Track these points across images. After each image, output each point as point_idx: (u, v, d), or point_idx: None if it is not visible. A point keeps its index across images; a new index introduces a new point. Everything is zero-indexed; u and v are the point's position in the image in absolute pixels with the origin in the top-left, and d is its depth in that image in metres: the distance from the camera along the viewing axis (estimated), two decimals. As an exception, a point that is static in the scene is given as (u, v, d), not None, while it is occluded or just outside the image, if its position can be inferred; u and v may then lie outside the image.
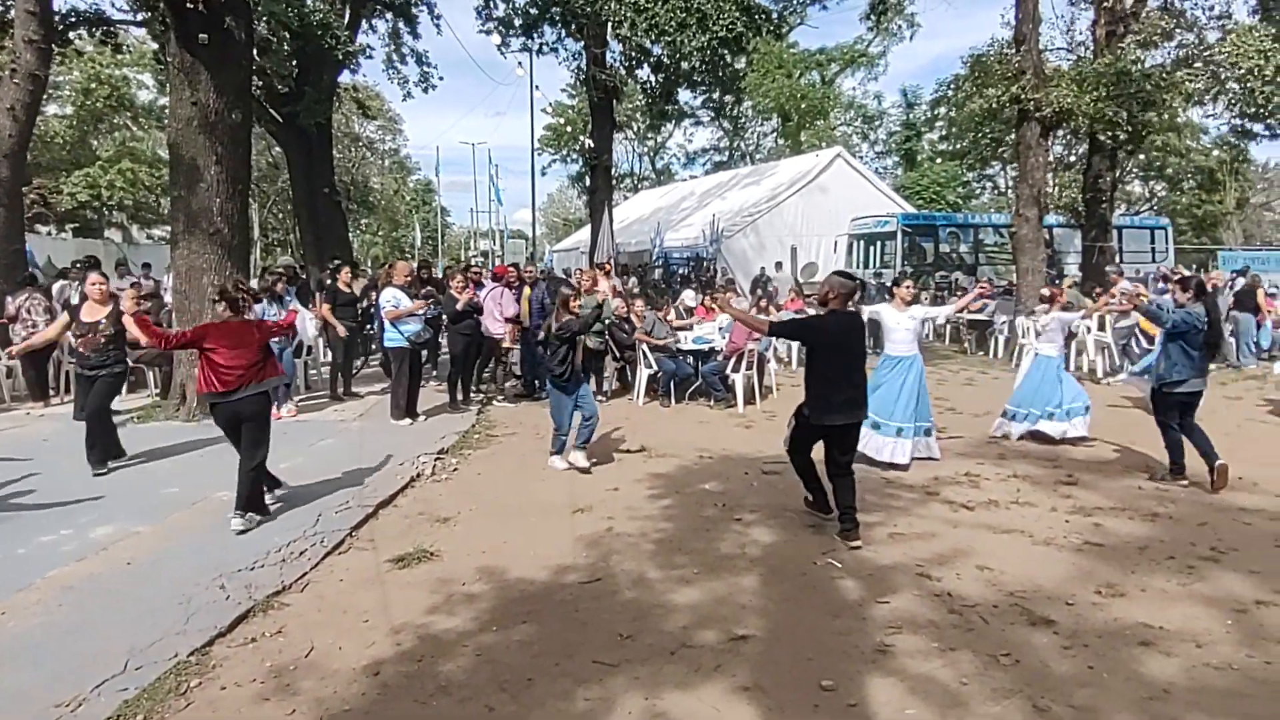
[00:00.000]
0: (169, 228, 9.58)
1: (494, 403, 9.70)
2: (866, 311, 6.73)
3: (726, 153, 43.69)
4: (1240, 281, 13.85)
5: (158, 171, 27.13)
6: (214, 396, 5.02)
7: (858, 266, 19.76)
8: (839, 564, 4.53)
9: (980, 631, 3.70)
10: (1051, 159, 17.96)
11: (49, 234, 25.61)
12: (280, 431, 7.78)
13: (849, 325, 4.93)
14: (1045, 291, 8.41)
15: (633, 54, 20.22)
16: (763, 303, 12.32)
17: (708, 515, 5.46)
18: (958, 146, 30.87)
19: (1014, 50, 13.69)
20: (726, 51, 17.14)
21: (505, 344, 9.93)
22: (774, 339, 10.24)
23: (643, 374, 9.80)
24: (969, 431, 7.96)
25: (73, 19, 14.14)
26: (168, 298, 10.50)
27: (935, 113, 35.44)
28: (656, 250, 22.74)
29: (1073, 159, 21.48)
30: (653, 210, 30.01)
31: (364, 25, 17.99)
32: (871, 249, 19.62)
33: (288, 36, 14.23)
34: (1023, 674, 3.31)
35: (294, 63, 15.89)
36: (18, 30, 10.43)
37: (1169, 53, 14.82)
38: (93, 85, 26.77)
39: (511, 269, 10.92)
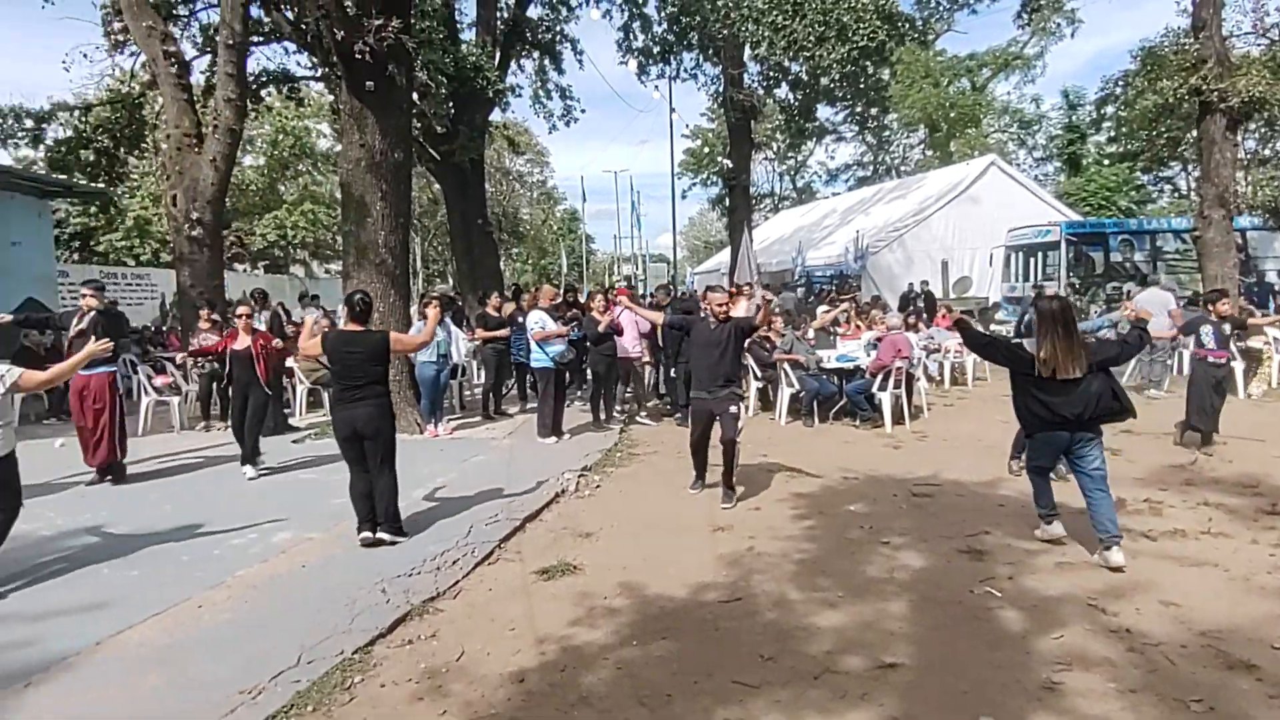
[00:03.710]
0: (343, 263, 10.43)
1: (636, 420, 9.85)
2: None
3: (870, 168, 42.57)
4: None
5: (334, 211, 29.75)
6: None
7: (1016, 280, 18.60)
8: (998, 593, 4.23)
9: (1165, 673, 3.33)
10: (1243, 154, 16.16)
11: (244, 271, 28.63)
12: (437, 449, 8.32)
13: (719, 328, 6.10)
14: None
15: (770, 73, 20.18)
16: (911, 319, 11.81)
17: (852, 537, 5.26)
18: (1129, 147, 28.48)
19: (1192, 38, 12.51)
20: (868, 62, 16.76)
21: (643, 360, 10.08)
22: (921, 356, 9.81)
23: (784, 393, 9.63)
24: (1147, 455, 7.24)
25: (264, 78, 15.84)
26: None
27: (1101, 113, 32.95)
28: (798, 269, 22.41)
29: (1268, 153, 19.25)
30: (794, 229, 29.66)
31: (513, 65, 18.99)
32: (1032, 260, 18.40)
33: (444, 80, 15.26)
34: (1219, 723, 2.94)
35: (450, 104, 16.99)
36: (219, 91, 11.78)
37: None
38: (279, 136, 29.75)
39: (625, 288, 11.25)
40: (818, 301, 17.57)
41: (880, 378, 9.01)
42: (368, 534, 5.18)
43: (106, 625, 4.00)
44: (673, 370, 9.90)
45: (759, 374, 10.17)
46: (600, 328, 9.02)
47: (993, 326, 15.59)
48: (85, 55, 14.47)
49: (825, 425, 9.43)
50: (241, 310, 7.69)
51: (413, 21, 9.67)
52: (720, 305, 6.15)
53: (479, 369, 11.82)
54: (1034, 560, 4.69)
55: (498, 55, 17.18)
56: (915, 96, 34.47)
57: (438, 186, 24.68)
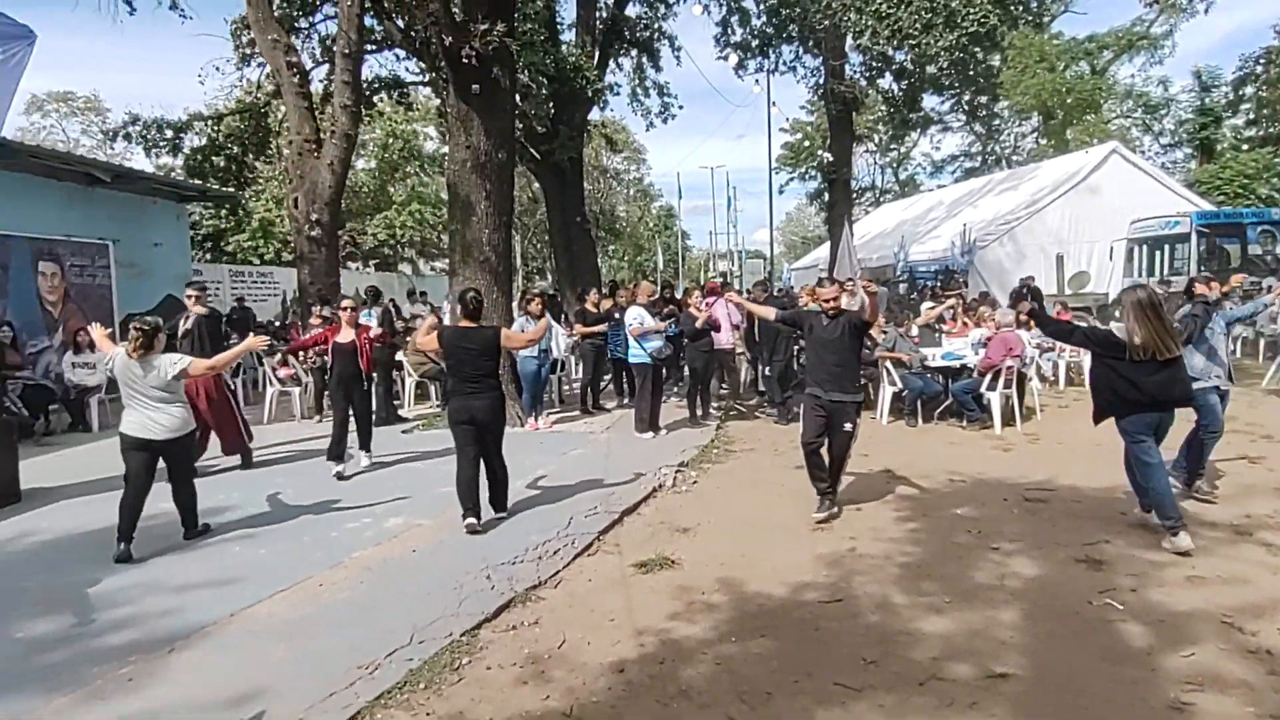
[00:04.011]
0: (448, 260, 10.82)
1: (736, 407, 9.83)
2: None
3: (979, 158, 40.72)
4: None
5: (440, 211, 30.87)
6: None
7: (1140, 274, 17.45)
8: (1120, 605, 4.00)
9: (1313, 700, 3.07)
10: None
11: (356, 269, 30.06)
12: (538, 441, 8.53)
13: (832, 324, 5.75)
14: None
15: (873, 63, 19.64)
16: (1022, 316, 11.27)
17: (960, 542, 5.08)
18: (1270, 130, 26.27)
19: (1350, 8, 11.43)
20: (978, 49, 16.09)
21: (736, 350, 10.05)
22: (1035, 354, 9.38)
23: (886, 392, 9.38)
24: (1293, 463, 6.68)
25: (376, 84, 16.60)
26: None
27: (1239, 94, 30.45)
28: (900, 264, 21.71)
29: None
30: (896, 223, 28.70)
31: (611, 64, 19.17)
32: (1158, 254, 17.22)
33: (545, 81, 15.57)
34: (1376, 757, 2.69)
35: (550, 104, 17.31)
36: (336, 98, 12.41)
37: None
38: (390, 140, 31.10)
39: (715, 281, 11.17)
40: (921, 298, 16.99)
41: (990, 377, 8.65)
42: (473, 520, 5.38)
43: (238, 599, 4.31)
44: (767, 368, 9.81)
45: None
46: (698, 323, 9.03)
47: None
48: (217, 68, 15.57)
49: (929, 425, 9.13)
50: (346, 303, 7.71)
51: (516, 24, 9.92)
52: (829, 301, 5.85)
53: (578, 364, 12.02)
54: (1160, 573, 4.41)
55: (597, 54, 17.37)
56: (1028, 82, 32.73)
57: (538, 185, 25.21)
